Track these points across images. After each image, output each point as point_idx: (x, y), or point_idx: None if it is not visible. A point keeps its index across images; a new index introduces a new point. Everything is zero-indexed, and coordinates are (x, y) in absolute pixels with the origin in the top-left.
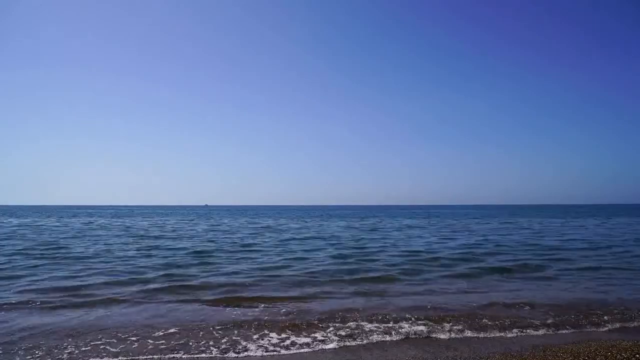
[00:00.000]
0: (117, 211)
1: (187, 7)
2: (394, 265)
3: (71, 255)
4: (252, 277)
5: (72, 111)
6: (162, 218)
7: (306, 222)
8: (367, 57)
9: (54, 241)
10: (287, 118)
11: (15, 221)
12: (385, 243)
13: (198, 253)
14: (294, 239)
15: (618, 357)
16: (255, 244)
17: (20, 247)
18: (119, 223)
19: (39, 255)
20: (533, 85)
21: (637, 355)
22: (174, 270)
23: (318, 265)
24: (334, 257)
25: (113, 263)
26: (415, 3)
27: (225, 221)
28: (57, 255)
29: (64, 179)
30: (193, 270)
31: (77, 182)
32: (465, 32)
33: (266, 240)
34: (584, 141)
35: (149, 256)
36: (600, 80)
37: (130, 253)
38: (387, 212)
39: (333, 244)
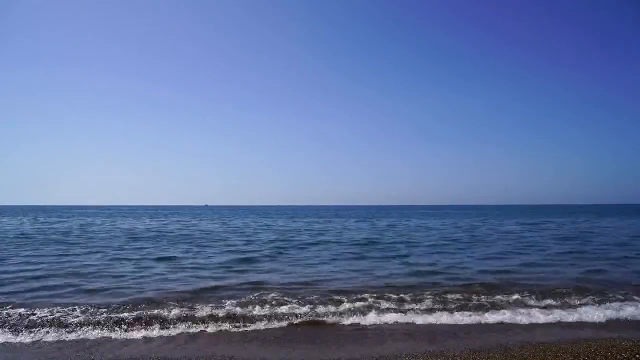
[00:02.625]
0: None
1: (187, 7)
2: None
3: None
4: None
5: (72, 111)
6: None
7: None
8: (367, 57)
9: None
10: (287, 118)
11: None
12: None
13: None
14: None
15: (618, 357)
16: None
17: None
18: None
19: None
20: (533, 85)
21: (637, 355)
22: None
23: None
24: None
25: None
26: (415, 3)
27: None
28: None
29: (64, 179)
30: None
31: (77, 182)
32: (465, 32)
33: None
34: (584, 141)
35: None
36: (600, 80)
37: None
38: (404, 212)
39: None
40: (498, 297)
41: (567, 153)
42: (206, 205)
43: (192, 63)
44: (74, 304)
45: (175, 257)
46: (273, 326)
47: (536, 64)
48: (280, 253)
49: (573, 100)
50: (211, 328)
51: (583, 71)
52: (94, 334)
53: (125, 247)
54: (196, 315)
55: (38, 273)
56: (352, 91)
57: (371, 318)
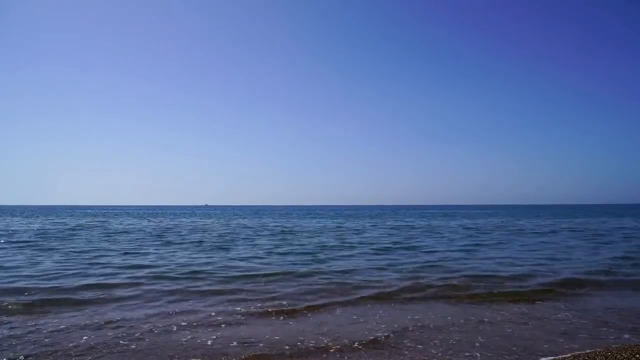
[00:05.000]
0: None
1: (187, 6)
2: None
3: None
4: None
5: (72, 111)
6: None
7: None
8: (367, 57)
9: None
10: (286, 118)
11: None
12: None
13: None
14: None
15: (618, 357)
16: None
17: None
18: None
19: None
20: (533, 85)
21: (637, 356)
22: None
23: None
24: None
25: None
26: (416, 3)
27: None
28: None
29: (64, 179)
30: None
31: (77, 182)
32: (465, 32)
33: None
34: (584, 141)
35: None
36: (600, 80)
37: None
38: (422, 212)
39: None
40: None
41: (566, 153)
42: (206, 205)
43: (192, 62)
44: None
45: None
46: None
47: (536, 64)
48: None
49: (572, 100)
50: None
51: (583, 71)
52: None
53: None
54: None
55: None
56: (352, 91)
57: None
